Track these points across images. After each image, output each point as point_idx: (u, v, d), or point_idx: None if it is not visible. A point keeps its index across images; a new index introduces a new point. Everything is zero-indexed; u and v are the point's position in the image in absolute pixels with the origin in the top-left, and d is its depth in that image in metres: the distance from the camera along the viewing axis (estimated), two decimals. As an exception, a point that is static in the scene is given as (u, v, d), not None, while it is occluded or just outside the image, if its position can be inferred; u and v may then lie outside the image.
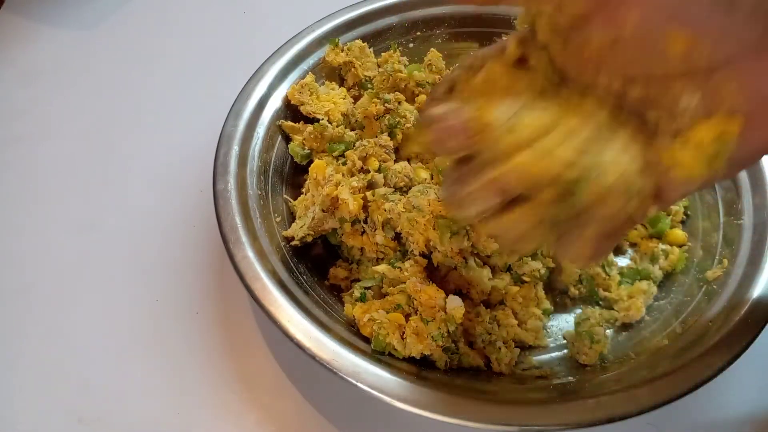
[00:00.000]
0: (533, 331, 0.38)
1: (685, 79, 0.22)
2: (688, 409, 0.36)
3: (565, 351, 0.38)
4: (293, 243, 0.40)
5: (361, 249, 0.41)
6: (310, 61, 0.48)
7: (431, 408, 0.31)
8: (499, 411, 0.32)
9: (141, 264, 0.44)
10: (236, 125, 0.43)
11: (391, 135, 0.44)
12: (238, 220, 0.38)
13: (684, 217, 0.43)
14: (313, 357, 0.33)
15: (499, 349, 0.36)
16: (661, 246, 0.42)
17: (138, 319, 0.41)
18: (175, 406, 0.38)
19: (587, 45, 0.23)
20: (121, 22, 0.60)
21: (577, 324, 0.38)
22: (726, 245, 0.40)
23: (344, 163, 0.43)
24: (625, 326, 0.39)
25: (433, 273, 0.39)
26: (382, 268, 0.38)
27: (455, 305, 0.35)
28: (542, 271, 0.40)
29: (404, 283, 0.37)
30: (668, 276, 0.41)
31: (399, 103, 0.45)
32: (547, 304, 0.40)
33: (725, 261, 0.39)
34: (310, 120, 0.46)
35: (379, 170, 0.42)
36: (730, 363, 0.32)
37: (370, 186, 0.41)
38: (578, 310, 0.40)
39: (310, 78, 0.47)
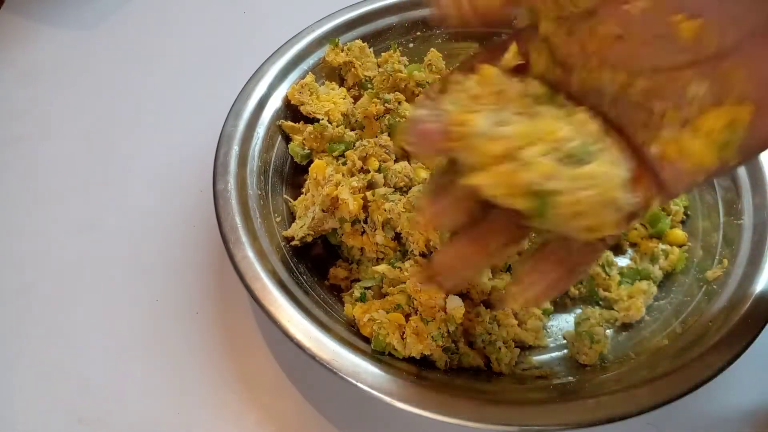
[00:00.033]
0: (533, 331, 0.38)
1: (693, 68, 0.22)
2: (688, 409, 0.36)
3: (565, 351, 0.38)
4: (293, 243, 0.40)
5: (361, 249, 0.41)
6: (310, 61, 0.48)
7: (431, 408, 0.31)
8: (499, 411, 0.31)
9: (141, 264, 0.44)
10: (236, 125, 0.43)
11: (391, 135, 0.44)
12: (238, 220, 0.38)
13: (684, 217, 0.43)
14: (313, 357, 0.33)
15: (499, 349, 0.36)
16: (661, 246, 0.42)
17: (138, 319, 0.41)
18: (175, 406, 0.38)
19: (592, 38, 0.23)
20: (121, 22, 0.60)
21: (577, 324, 0.38)
22: (726, 245, 0.40)
23: (344, 163, 0.42)
24: (625, 326, 0.39)
25: (433, 273, 0.39)
26: (382, 268, 0.38)
27: (455, 305, 0.35)
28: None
29: (404, 283, 0.37)
30: (668, 276, 0.41)
31: (399, 103, 0.45)
32: (547, 304, 0.40)
33: (725, 261, 0.39)
34: (310, 120, 0.45)
35: (379, 170, 0.42)
36: (730, 363, 0.32)
37: (370, 186, 0.41)
38: (578, 310, 0.40)
39: (310, 78, 0.47)
